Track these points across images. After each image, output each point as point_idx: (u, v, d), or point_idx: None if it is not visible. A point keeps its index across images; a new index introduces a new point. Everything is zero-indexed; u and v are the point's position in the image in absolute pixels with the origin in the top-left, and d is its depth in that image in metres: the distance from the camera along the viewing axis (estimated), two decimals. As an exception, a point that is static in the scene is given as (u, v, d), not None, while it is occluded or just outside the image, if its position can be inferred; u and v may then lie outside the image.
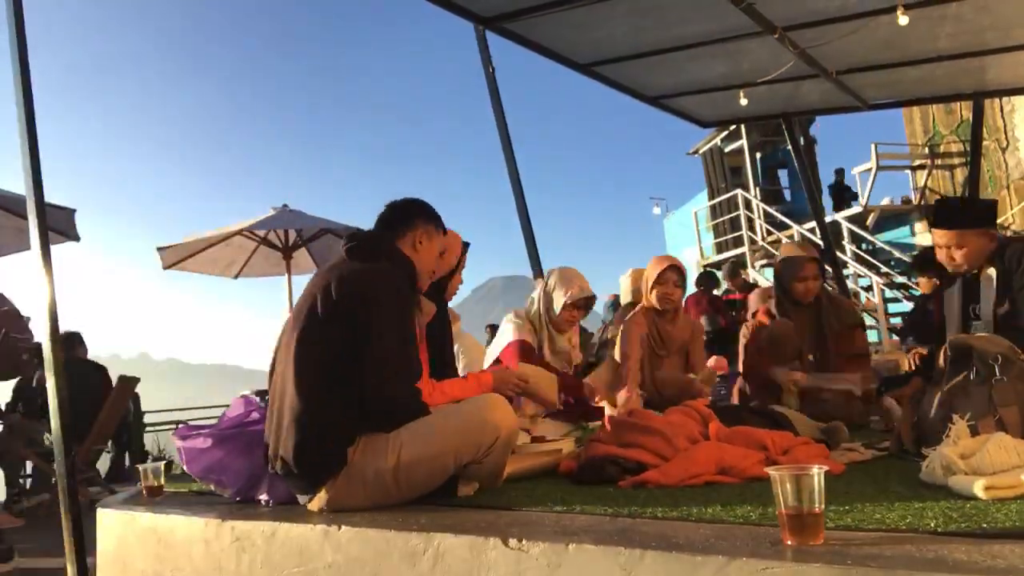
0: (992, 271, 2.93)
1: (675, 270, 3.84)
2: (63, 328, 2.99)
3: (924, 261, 5.80)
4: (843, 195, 13.42)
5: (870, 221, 12.28)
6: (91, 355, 7.29)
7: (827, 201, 13.35)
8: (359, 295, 2.14)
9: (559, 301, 3.57)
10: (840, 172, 13.92)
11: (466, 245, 3.32)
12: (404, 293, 2.24)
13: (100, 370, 6.72)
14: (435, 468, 2.12)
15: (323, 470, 2.11)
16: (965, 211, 3.08)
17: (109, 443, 7.00)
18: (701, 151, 15.92)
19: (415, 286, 2.39)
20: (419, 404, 2.19)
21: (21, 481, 6.39)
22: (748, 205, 13.56)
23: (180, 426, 2.59)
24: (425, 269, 2.45)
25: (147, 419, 9.35)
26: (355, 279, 2.18)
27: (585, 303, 3.63)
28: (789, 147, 7.73)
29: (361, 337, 2.09)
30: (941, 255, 3.00)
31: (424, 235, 2.44)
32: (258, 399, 2.60)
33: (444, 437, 2.11)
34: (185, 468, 2.57)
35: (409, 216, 2.46)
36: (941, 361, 2.35)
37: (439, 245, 2.52)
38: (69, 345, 6.34)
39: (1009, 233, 10.83)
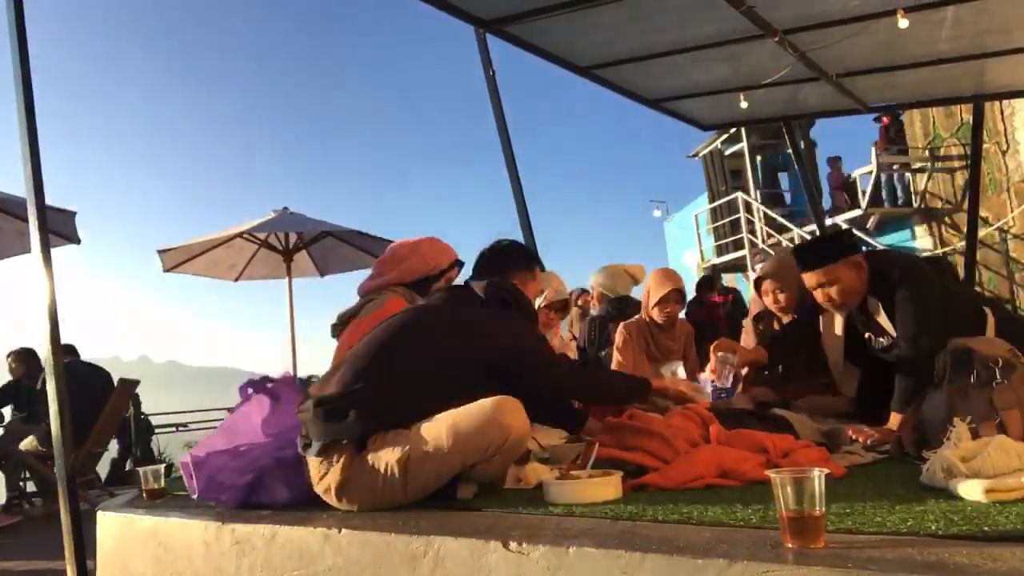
0: (877, 301, 2.87)
1: (676, 292, 4.07)
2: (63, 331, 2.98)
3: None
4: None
5: (871, 224, 12.29)
6: (91, 358, 7.29)
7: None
8: (502, 345, 2.42)
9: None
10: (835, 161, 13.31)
11: (460, 264, 3.34)
12: (534, 328, 2.63)
13: (100, 372, 6.72)
14: (443, 466, 2.13)
15: (342, 428, 2.18)
16: (823, 247, 3.02)
17: (109, 445, 7.01)
18: (701, 154, 15.93)
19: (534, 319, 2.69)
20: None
21: (22, 484, 6.39)
22: (748, 208, 13.57)
23: (191, 451, 2.57)
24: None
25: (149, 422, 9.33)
26: (498, 333, 2.43)
27: (561, 306, 3.80)
28: (790, 150, 7.73)
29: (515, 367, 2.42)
30: (819, 297, 2.93)
31: (519, 282, 2.63)
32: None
33: (454, 434, 2.12)
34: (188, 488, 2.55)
35: (503, 263, 2.69)
36: (942, 365, 2.34)
37: (533, 289, 2.76)
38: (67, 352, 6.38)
39: (1009, 237, 10.85)
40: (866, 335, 3.03)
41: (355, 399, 2.22)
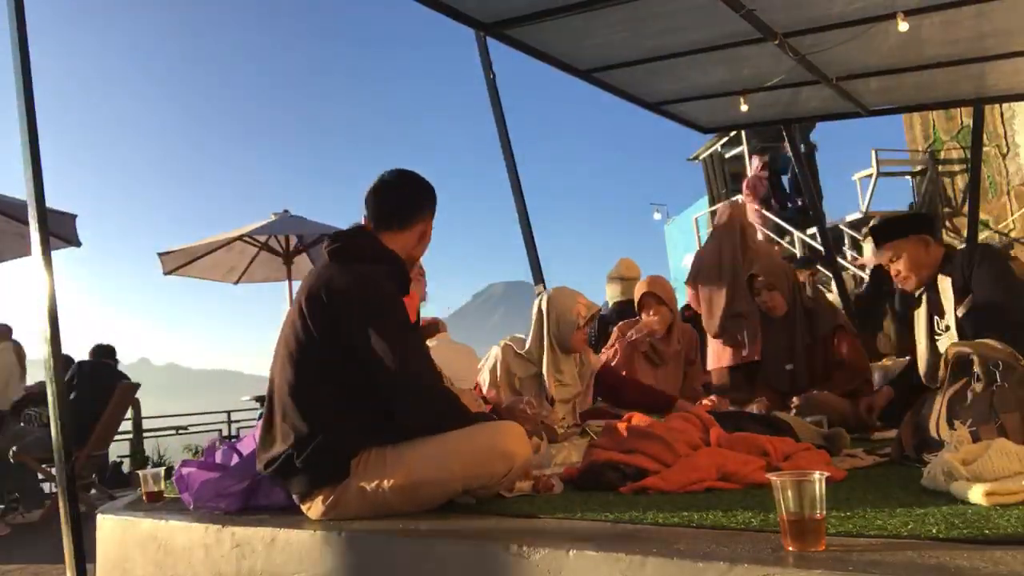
0: (946, 279, 2.96)
1: (649, 295, 4.03)
2: (63, 333, 2.97)
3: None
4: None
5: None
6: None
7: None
8: (348, 302, 2.11)
9: (571, 324, 3.43)
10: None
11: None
12: (394, 294, 2.18)
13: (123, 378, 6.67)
14: (442, 492, 2.10)
15: (321, 474, 2.10)
16: (892, 224, 3.20)
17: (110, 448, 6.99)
18: (701, 157, 15.91)
19: (406, 281, 2.27)
20: (449, 391, 2.19)
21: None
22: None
23: (181, 467, 2.55)
24: (421, 255, 2.41)
25: (146, 424, 9.31)
26: (341, 286, 2.14)
27: (593, 317, 3.67)
28: (790, 153, 7.73)
29: (362, 343, 2.08)
30: (892, 273, 3.10)
31: (430, 224, 2.37)
32: (257, 404, 2.59)
33: (456, 462, 2.06)
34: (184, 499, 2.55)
35: (419, 206, 2.34)
36: (942, 367, 2.34)
37: (427, 238, 2.39)
38: (106, 354, 6.70)
39: (1011, 236, 10.84)
40: (934, 318, 3.08)
41: (293, 447, 2.09)
